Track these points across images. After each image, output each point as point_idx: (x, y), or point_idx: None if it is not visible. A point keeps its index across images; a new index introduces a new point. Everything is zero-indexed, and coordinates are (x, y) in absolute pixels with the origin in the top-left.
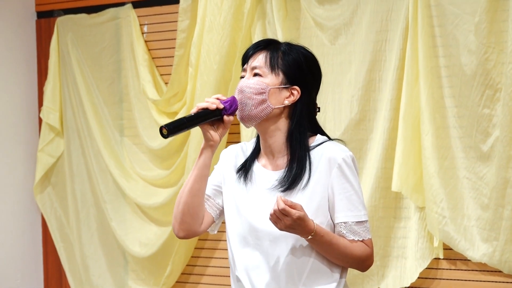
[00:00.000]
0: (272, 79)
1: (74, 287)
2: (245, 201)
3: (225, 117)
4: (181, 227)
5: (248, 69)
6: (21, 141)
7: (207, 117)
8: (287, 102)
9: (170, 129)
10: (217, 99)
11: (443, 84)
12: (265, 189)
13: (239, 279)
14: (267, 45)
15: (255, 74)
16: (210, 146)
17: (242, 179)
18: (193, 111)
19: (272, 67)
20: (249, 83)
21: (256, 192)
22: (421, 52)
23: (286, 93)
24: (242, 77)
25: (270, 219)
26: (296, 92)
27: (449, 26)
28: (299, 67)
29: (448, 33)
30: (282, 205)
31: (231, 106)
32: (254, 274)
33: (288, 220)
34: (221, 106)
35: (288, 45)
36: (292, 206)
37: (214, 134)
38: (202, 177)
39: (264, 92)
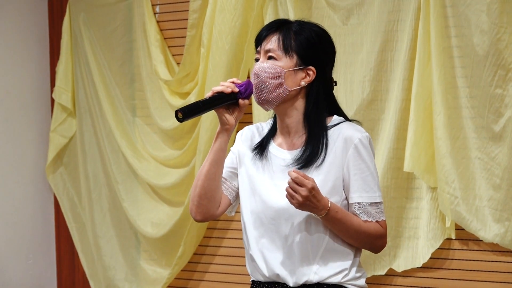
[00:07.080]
0: (286, 62)
1: (86, 267)
2: (260, 180)
3: (240, 101)
4: (198, 210)
5: (262, 52)
6: (33, 122)
7: (222, 101)
8: (303, 83)
9: (186, 113)
10: (232, 82)
11: (455, 64)
12: (280, 167)
13: (253, 258)
14: (279, 26)
15: (270, 57)
16: (225, 130)
17: (257, 158)
18: (208, 95)
19: (286, 49)
20: (264, 67)
21: (270, 171)
22: (433, 32)
23: (301, 74)
24: (256, 60)
25: (287, 195)
26: (312, 72)
27: (461, 6)
28: (312, 47)
29: (460, 13)
30: (294, 175)
31: (246, 90)
32: (269, 253)
33: (303, 191)
34: (236, 89)
35: (300, 24)
36: (305, 177)
37: (229, 117)
38: (218, 161)
39: (280, 76)
